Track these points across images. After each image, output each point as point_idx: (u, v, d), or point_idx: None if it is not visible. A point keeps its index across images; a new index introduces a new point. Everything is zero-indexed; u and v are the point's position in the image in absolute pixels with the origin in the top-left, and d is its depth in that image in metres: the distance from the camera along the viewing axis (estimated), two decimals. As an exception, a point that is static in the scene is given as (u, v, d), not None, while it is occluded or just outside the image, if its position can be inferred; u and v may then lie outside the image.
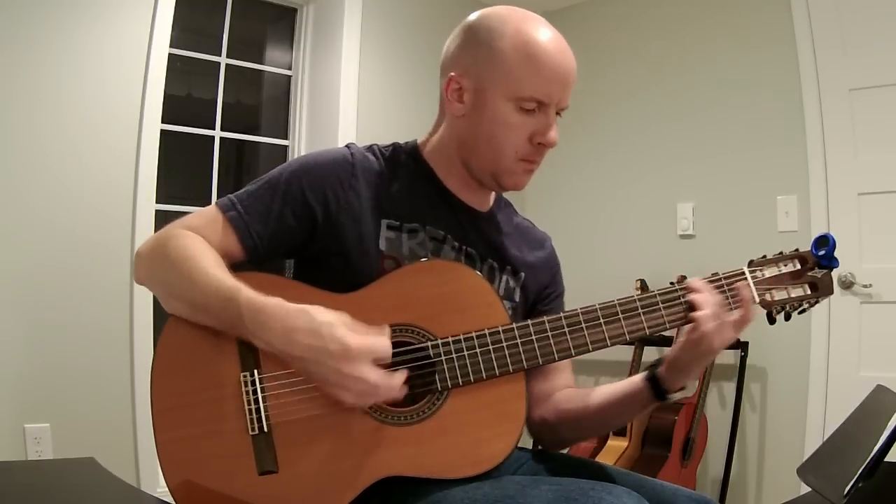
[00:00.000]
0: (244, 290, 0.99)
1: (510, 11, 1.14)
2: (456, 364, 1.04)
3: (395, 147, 1.22)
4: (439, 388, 1.04)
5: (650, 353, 2.89)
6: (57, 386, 2.34)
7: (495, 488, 0.96)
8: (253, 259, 1.11)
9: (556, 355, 1.07)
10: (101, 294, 2.41)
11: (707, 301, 1.07)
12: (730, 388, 2.91)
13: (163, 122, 2.58)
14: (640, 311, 1.09)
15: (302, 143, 3.13)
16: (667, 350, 1.13)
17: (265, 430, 0.99)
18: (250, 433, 0.99)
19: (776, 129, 2.87)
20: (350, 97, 3.04)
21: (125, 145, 2.50)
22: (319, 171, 1.14)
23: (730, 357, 2.89)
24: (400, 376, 0.98)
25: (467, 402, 1.04)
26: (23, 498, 1.19)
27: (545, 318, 1.08)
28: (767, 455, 2.88)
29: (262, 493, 0.98)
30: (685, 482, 2.70)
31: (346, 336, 0.96)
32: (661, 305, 1.10)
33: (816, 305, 1.18)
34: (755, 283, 1.13)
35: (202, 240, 1.08)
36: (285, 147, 3.16)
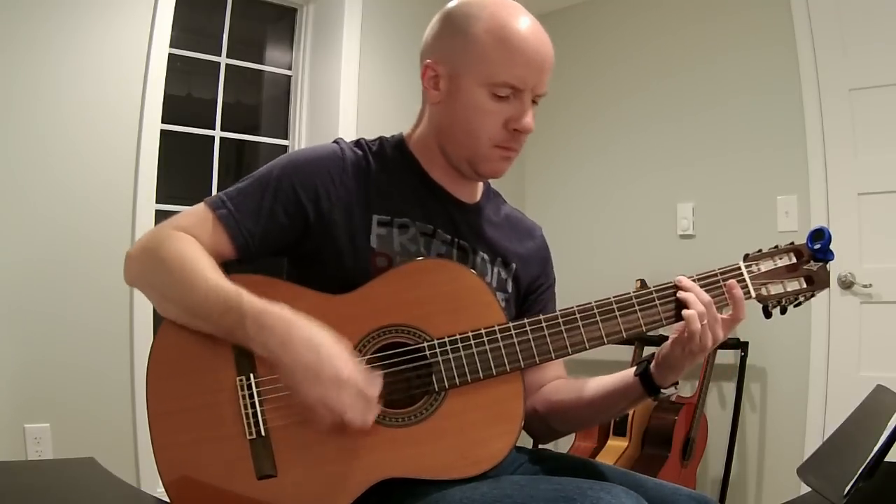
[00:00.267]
0: (246, 295, 0.99)
1: None
2: (453, 364, 1.04)
3: (382, 141, 1.22)
4: (437, 389, 1.04)
5: (649, 353, 2.89)
6: (57, 386, 2.34)
7: (494, 488, 0.96)
8: (244, 258, 1.10)
9: (553, 354, 1.07)
10: (101, 294, 2.41)
11: (696, 300, 1.06)
12: (730, 388, 2.91)
13: (163, 122, 2.58)
14: (636, 308, 1.09)
15: (302, 144, 3.13)
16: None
17: (263, 433, 0.99)
18: (248, 437, 0.99)
19: (776, 129, 2.87)
20: (350, 97, 3.04)
21: (125, 145, 2.50)
22: (310, 167, 1.13)
23: (730, 357, 2.89)
24: (374, 412, 0.98)
25: (465, 402, 1.04)
26: (23, 498, 1.19)
27: (541, 318, 1.08)
28: (767, 455, 2.88)
29: (261, 498, 0.98)
30: (685, 482, 2.70)
31: (341, 363, 0.95)
32: (657, 302, 1.09)
33: (812, 299, 1.17)
34: (751, 278, 1.13)
35: (195, 242, 1.06)
36: (285, 147, 3.16)
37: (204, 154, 2.92)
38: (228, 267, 1.08)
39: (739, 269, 1.13)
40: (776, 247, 1.16)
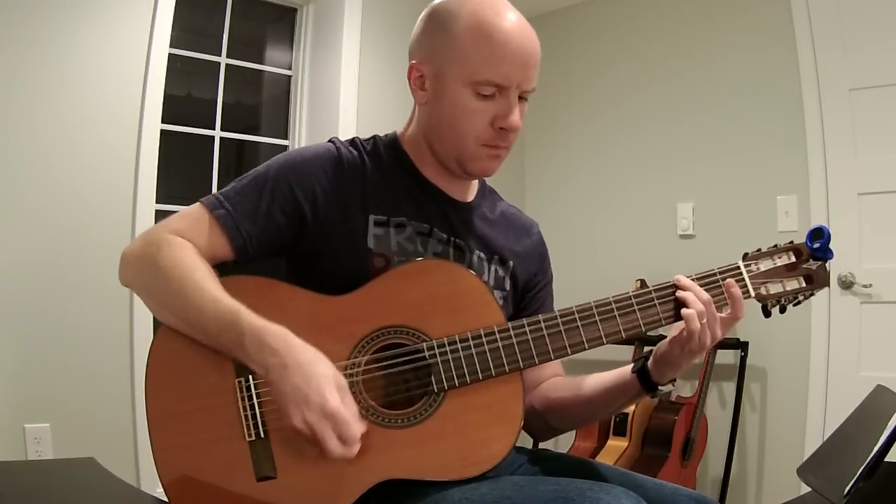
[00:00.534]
0: (245, 314, 0.98)
1: None
2: (452, 365, 1.04)
3: (376, 140, 1.21)
4: (436, 390, 1.03)
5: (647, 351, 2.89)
6: (57, 386, 2.34)
7: (493, 489, 0.96)
8: (242, 258, 1.09)
9: (552, 354, 1.07)
10: (101, 293, 2.41)
11: (695, 299, 1.06)
12: (730, 388, 2.91)
13: (163, 122, 2.58)
14: (635, 307, 1.09)
15: (302, 143, 3.13)
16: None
17: (262, 435, 0.99)
18: (247, 439, 0.99)
19: (776, 129, 2.87)
20: (350, 97, 3.04)
21: (125, 145, 2.50)
22: (307, 166, 1.12)
23: (730, 357, 2.89)
24: (353, 449, 0.95)
25: (464, 403, 1.04)
26: (23, 498, 1.19)
27: (540, 318, 1.07)
28: (767, 455, 2.88)
29: (260, 499, 0.97)
30: (685, 482, 2.70)
31: (329, 394, 0.93)
32: (656, 302, 1.09)
33: (812, 298, 1.17)
34: (750, 277, 1.13)
35: (192, 248, 1.05)
36: (285, 147, 3.16)
37: (204, 154, 2.92)
38: (227, 268, 1.08)
39: (738, 268, 1.13)
40: (775, 246, 1.16)
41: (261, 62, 3.16)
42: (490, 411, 1.04)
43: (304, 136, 3.14)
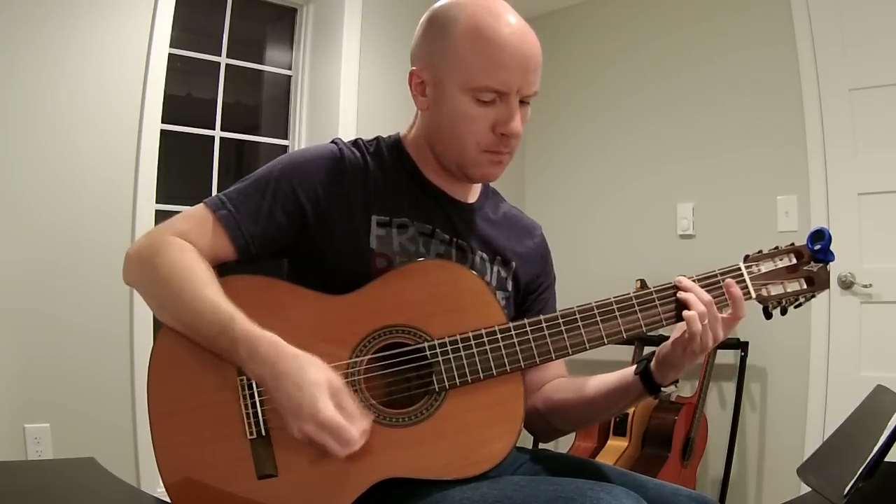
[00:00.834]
0: (238, 321, 0.98)
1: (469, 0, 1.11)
2: (453, 365, 1.04)
3: (379, 141, 1.21)
4: (437, 389, 1.04)
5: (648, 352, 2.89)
6: (57, 386, 2.34)
7: (494, 489, 0.96)
8: (244, 259, 1.10)
9: (553, 354, 1.07)
10: (101, 294, 2.41)
11: (696, 300, 1.06)
12: (730, 388, 2.91)
13: (163, 122, 2.58)
14: (636, 308, 1.09)
15: (302, 144, 3.13)
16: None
17: (263, 433, 0.99)
18: (248, 437, 0.99)
19: (776, 129, 2.87)
20: (350, 97, 3.04)
21: (125, 145, 2.50)
22: (309, 167, 1.12)
23: (730, 357, 2.89)
24: (352, 447, 0.95)
25: (465, 402, 1.04)
26: (23, 498, 1.19)
27: (542, 318, 1.08)
28: (767, 455, 2.88)
29: (261, 497, 0.98)
30: (685, 482, 2.70)
31: (323, 404, 0.93)
32: (657, 303, 1.09)
33: (813, 299, 1.17)
34: (751, 279, 1.13)
35: (193, 250, 1.05)
36: (285, 147, 3.16)
37: (204, 154, 2.92)
38: (229, 268, 1.08)
39: (740, 269, 1.13)
40: (776, 248, 1.17)
41: (261, 62, 3.16)
42: (491, 411, 1.04)
43: (304, 136, 3.14)
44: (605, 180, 3.41)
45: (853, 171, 2.68)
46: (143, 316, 2.49)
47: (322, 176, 1.12)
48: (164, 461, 0.99)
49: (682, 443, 2.72)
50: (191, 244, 1.06)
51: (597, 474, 1.09)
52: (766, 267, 1.15)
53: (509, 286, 1.22)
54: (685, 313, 1.06)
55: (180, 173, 2.94)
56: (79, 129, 2.41)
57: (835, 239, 1.15)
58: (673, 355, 1.08)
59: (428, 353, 1.04)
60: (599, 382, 1.16)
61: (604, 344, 1.09)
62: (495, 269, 1.21)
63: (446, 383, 1.04)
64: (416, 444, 1.01)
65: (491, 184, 1.28)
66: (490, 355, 1.05)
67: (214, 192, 2.89)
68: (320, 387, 0.94)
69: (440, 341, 1.04)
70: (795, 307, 1.17)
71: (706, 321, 1.05)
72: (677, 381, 1.12)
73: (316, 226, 1.11)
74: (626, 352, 2.87)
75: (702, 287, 1.09)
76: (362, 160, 1.17)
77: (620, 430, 2.72)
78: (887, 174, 2.61)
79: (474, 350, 1.05)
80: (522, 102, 1.12)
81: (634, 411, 2.72)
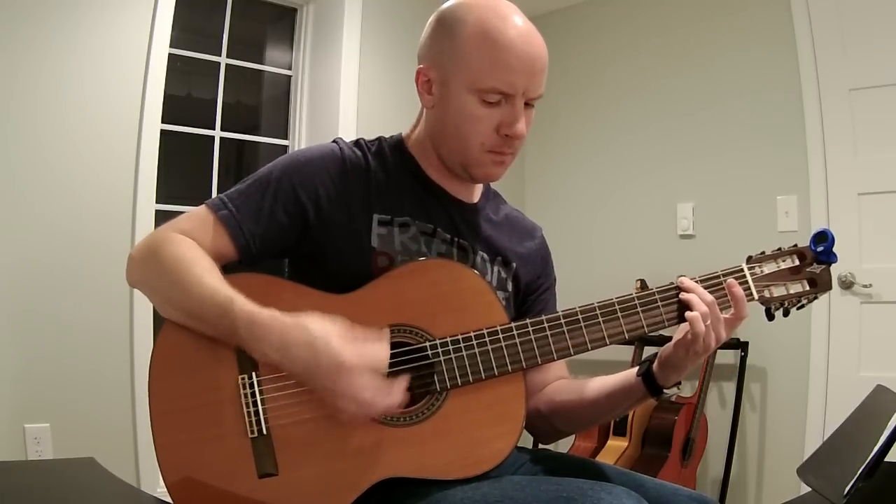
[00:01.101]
0: (238, 302, 0.98)
1: (478, 0, 1.11)
2: (455, 364, 1.04)
3: (381, 141, 1.22)
4: (438, 389, 1.04)
5: (650, 353, 2.89)
6: (57, 386, 2.34)
7: (495, 488, 0.96)
8: (246, 259, 1.10)
9: (555, 354, 1.07)
10: (101, 294, 2.41)
11: (698, 301, 1.06)
12: (730, 388, 2.91)
13: (163, 122, 2.58)
14: (638, 309, 1.09)
15: (302, 144, 3.13)
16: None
17: (264, 432, 0.99)
18: (249, 436, 0.99)
19: (776, 129, 2.87)
20: (350, 97, 3.04)
21: (125, 145, 2.50)
22: (310, 167, 1.13)
23: (730, 357, 2.89)
24: (399, 386, 0.97)
25: (467, 402, 1.04)
26: (23, 498, 1.19)
27: (543, 318, 1.08)
28: (767, 455, 2.88)
29: (262, 496, 0.98)
30: (685, 482, 2.70)
31: (339, 349, 0.94)
32: (659, 303, 1.09)
33: (815, 301, 1.17)
34: (754, 280, 1.13)
35: (195, 245, 1.06)
36: (285, 147, 3.16)
37: (204, 154, 2.92)
38: (230, 268, 1.08)
39: (742, 270, 1.13)
40: (779, 249, 1.17)
41: (261, 62, 3.16)
42: (492, 410, 1.04)
43: (304, 136, 3.14)
44: (605, 180, 3.41)
45: (853, 171, 2.68)
46: (143, 316, 2.49)
47: (323, 175, 1.12)
48: (164, 460, 0.99)
49: (682, 443, 2.72)
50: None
51: (597, 474, 1.09)
52: (768, 268, 1.15)
53: (509, 287, 1.22)
54: (688, 314, 1.06)
55: (180, 173, 2.94)
56: (79, 129, 2.41)
57: (836, 240, 1.15)
58: (675, 357, 1.08)
59: (429, 352, 1.04)
60: (601, 384, 1.16)
61: (605, 344, 1.09)
62: (496, 269, 1.21)
63: (448, 383, 1.04)
64: (418, 444, 1.01)
65: (492, 183, 1.28)
66: (492, 355, 1.05)
67: (215, 192, 2.92)
68: (331, 337, 0.95)
69: (442, 341, 1.04)
70: (798, 308, 1.17)
71: (709, 322, 1.05)
72: (679, 383, 1.12)
73: (317, 225, 1.11)
74: (627, 352, 2.87)
75: (704, 288, 1.09)
76: (364, 159, 1.17)
77: (620, 430, 2.72)
78: (887, 174, 2.61)
79: (476, 350, 1.05)
80: (527, 104, 1.12)
81: (634, 411, 2.72)
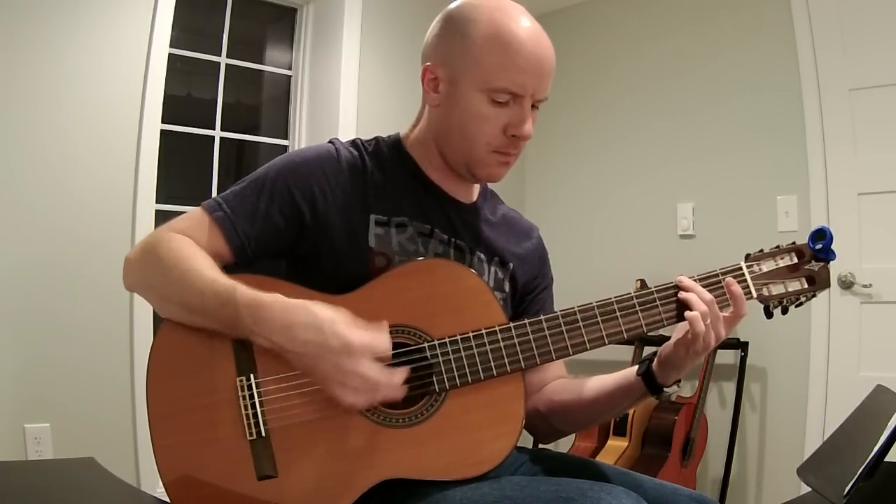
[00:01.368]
0: (240, 288, 0.99)
1: (488, 1, 1.12)
2: (454, 365, 1.04)
3: (378, 140, 1.21)
4: (437, 390, 1.04)
5: (649, 352, 2.89)
6: (57, 386, 2.34)
7: (494, 489, 0.96)
8: (241, 260, 1.10)
9: (553, 355, 1.07)
10: (101, 294, 2.41)
11: (698, 300, 1.06)
12: (730, 388, 2.91)
13: (163, 122, 2.58)
14: (637, 308, 1.09)
15: (302, 144, 3.13)
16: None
17: (263, 434, 0.99)
18: (248, 438, 0.99)
19: (776, 129, 2.87)
20: (350, 97, 3.04)
21: (125, 145, 2.50)
22: (305, 168, 1.13)
23: (730, 357, 2.89)
24: (400, 374, 0.98)
25: (466, 403, 1.04)
26: (23, 498, 1.19)
27: (542, 318, 1.08)
28: (767, 455, 2.88)
29: (261, 498, 0.98)
30: (685, 482, 2.70)
31: (347, 332, 0.95)
32: (658, 303, 1.09)
33: (814, 299, 1.17)
34: (752, 278, 1.13)
35: (192, 242, 1.06)
36: (285, 147, 3.16)
37: (204, 154, 2.92)
38: (227, 269, 1.08)
39: (741, 269, 1.13)
40: (777, 247, 1.17)
41: (261, 62, 3.16)
42: (492, 411, 1.04)
43: (304, 136, 3.14)
44: (605, 180, 3.41)
45: (853, 171, 2.68)
46: (143, 316, 2.49)
47: (319, 176, 1.12)
48: (163, 462, 0.99)
49: (682, 443, 2.72)
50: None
51: (597, 474, 1.09)
52: (767, 266, 1.15)
53: (507, 287, 1.22)
54: (688, 314, 1.06)
55: (180, 173, 2.94)
56: (79, 129, 2.41)
57: (835, 239, 1.15)
58: (675, 356, 1.08)
59: (428, 353, 1.04)
60: (601, 383, 1.16)
61: (605, 344, 1.09)
62: (493, 269, 1.21)
63: (446, 384, 1.04)
64: (417, 445, 1.01)
65: (492, 183, 1.28)
66: (490, 355, 1.05)
67: (215, 192, 2.92)
68: (337, 321, 0.96)
69: (440, 341, 1.04)
70: (796, 306, 1.17)
71: (708, 321, 1.05)
72: (679, 382, 1.12)
73: (313, 226, 1.11)
74: (627, 352, 2.87)
75: (703, 286, 1.09)
76: (360, 159, 1.17)
77: (620, 430, 2.72)
78: (887, 174, 2.61)
79: (474, 350, 1.05)
80: (533, 106, 1.12)
81: (634, 411, 2.72)
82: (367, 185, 1.15)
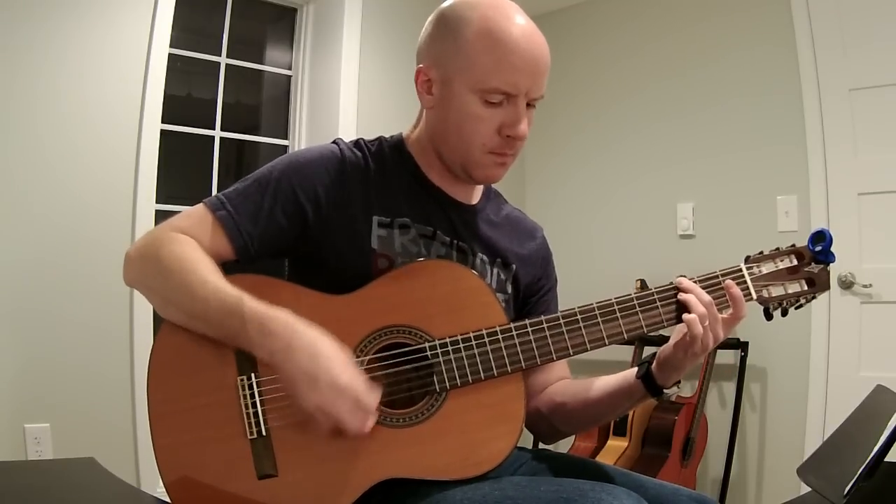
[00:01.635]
0: (247, 300, 0.98)
1: (480, 0, 1.11)
2: (454, 365, 1.04)
3: (381, 141, 1.21)
4: (438, 390, 1.04)
5: (649, 353, 2.89)
6: (57, 386, 2.34)
7: (495, 489, 0.96)
8: (243, 259, 1.10)
9: (554, 355, 1.07)
10: (101, 294, 2.41)
11: (696, 302, 1.06)
12: (730, 388, 2.91)
13: (163, 122, 2.58)
14: (637, 309, 1.09)
15: (302, 144, 3.13)
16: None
17: (263, 433, 0.99)
18: (248, 437, 0.99)
19: (776, 129, 2.87)
20: (350, 97, 3.04)
21: (125, 145, 2.50)
22: (309, 168, 1.12)
23: (730, 357, 2.89)
24: (371, 421, 0.97)
25: (466, 403, 1.04)
26: (23, 498, 1.19)
27: (543, 318, 1.07)
28: (767, 455, 2.88)
29: (261, 498, 0.98)
30: (685, 482, 2.70)
31: (340, 371, 0.95)
32: (658, 304, 1.09)
33: (813, 301, 1.17)
34: (752, 280, 1.13)
35: (195, 244, 1.05)
36: (285, 147, 3.16)
37: (204, 154, 2.92)
38: (228, 268, 1.08)
39: (740, 270, 1.13)
40: (777, 249, 1.17)
41: (261, 62, 3.16)
42: (492, 411, 1.04)
43: (304, 136, 3.14)
44: (605, 180, 3.41)
45: (853, 171, 2.68)
46: (143, 316, 2.49)
47: (322, 177, 1.12)
48: (163, 461, 0.99)
49: (682, 443, 2.72)
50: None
51: (597, 474, 1.09)
52: (766, 268, 1.15)
53: (509, 289, 1.22)
54: (685, 316, 1.06)
55: (180, 173, 2.94)
56: (79, 129, 2.41)
57: (835, 239, 1.15)
58: (674, 357, 1.08)
59: (429, 353, 1.04)
60: (602, 385, 1.16)
61: (605, 344, 1.09)
62: (495, 271, 1.20)
63: (447, 383, 1.04)
64: (417, 445, 1.01)
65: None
66: (491, 355, 1.05)
67: (214, 192, 2.89)
68: (335, 359, 0.96)
69: (441, 341, 1.04)
70: (796, 308, 1.17)
71: (707, 323, 1.05)
72: (679, 382, 1.12)
73: (316, 226, 1.11)
74: (627, 352, 2.87)
75: (702, 288, 1.09)
76: (363, 160, 1.16)
77: (620, 430, 2.72)
78: (887, 174, 2.61)
79: (475, 350, 1.05)
80: (528, 105, 1.11)
81: (634, 411, 2.72)
82: (370, 186, 1.14)
